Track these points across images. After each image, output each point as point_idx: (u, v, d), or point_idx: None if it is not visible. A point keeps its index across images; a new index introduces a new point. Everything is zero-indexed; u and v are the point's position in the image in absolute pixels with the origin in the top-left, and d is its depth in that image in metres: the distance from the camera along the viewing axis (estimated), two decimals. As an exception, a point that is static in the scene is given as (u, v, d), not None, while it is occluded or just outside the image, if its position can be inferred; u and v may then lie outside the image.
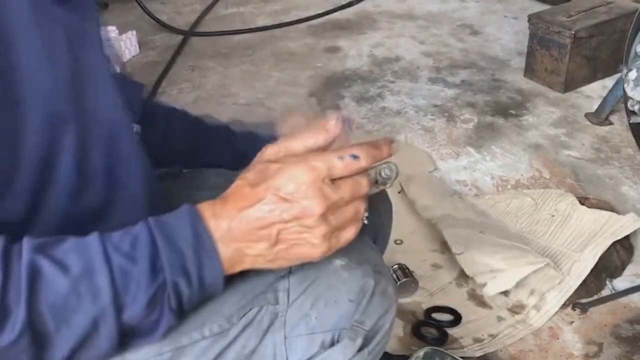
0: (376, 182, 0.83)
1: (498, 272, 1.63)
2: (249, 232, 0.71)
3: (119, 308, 0.68)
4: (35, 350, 0.66)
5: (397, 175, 0.84)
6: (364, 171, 0.76)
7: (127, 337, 0.71)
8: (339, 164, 0.72)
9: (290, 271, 0.85)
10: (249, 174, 0.73)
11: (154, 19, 3.35)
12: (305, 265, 0.85)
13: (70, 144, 0.73)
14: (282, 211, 0.70)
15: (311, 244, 0.73)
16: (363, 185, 0.75)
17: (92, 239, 0.68)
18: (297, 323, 0.83)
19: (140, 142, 0.93)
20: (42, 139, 0.71)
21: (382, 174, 0.83)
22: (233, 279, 0.86)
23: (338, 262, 0.85)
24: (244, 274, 0.85)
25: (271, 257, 0.74)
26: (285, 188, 0.70)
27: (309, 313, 0.83)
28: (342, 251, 0.86)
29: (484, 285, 1.64)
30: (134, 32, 3.10)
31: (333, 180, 0.72)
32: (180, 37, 3.24)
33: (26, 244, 0.66)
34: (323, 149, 0.76)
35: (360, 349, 0.83)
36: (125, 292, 0.68)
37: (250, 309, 0.83)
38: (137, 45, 3.11)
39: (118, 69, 0.95)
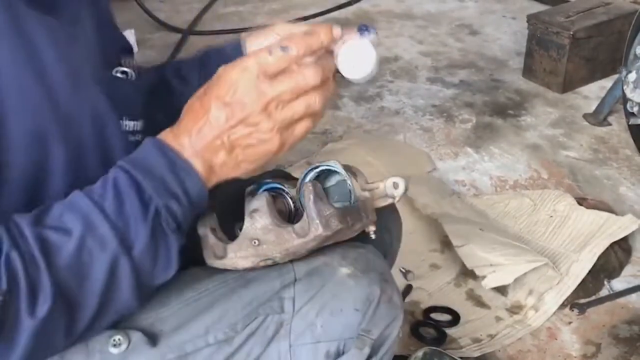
0: (385, 195, 0.83)
1: (498, 266, 1.64)
2: (207, 145, 0.75)
3: (127, 248, 0.71)
4: (68, 314, 0.69)
5: (406, 189, 0.84)
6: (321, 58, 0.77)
7: (148, 278, 0.74)
8: (270, 58, 0.74)
9: (295, 279, 0.85)
10: (199, 91, 0.77)
11: (152, 17, 3.35)
12: (311, 274, 0.85)
13: (59, 161, 0.75)
14: (227, 116, 0.74)
15: (262, 140, 0.76)
16: (307, 76, 0.76)
17: (78, 197, 0.72)
18: (303, 332, 0.83)
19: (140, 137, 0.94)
20: (28, 157, 0.73)
21: (392, 187, 0.84)
22: (237, 286, 0.86)
23: (344, 271, 0.85)
24: (249, 282, 0.85)
25: (233, 163, 0.78)
26: (224, 93, 0.74)
27: (314, 322, 0.83)
28: (349, 259, 0.86)
29: (483, 278, 1.64)
30: (132, 30, 3.09)
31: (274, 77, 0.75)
32: (178, 36, 3.23)
33: (21, 221, 0.69)
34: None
35: (368, 359, 0.83)
36: (128, 231, 0.71)
37: (256, 317, 0.83)
38: (136, 44, 3.10)
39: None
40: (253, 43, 0.96)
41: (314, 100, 0.77)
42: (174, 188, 0.73)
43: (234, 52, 0.97)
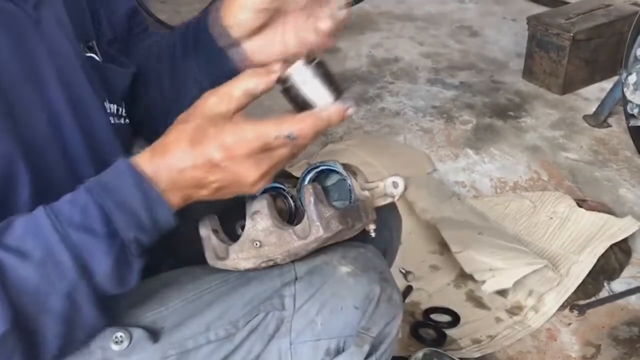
0: (385, 194, 0.83)
1: (497, 270, 1.64)
2: (190, 185, 0.74)
3: (88, 277, 0.70)
4: (26, 340, 0.67)
5: (405, 189, 0.84)
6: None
7: (111, 295, 0.73)
8: (274, 142, 0.72)
9: (296, 277, 0.85)
10: (189, 126, 0.73)
11: (153, 18, 3.35)
12: (312, 272, 0.85)
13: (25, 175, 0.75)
14: (218, 177, 0.73)
15: (248, 189, 0.76)
16: (302, 146, 0.75)
17: (42, 219, 0.69)
18: (303, 329, 0.83)
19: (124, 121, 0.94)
20: None
21: (391, 186, 0.84)
22: (238, 285, 0.86)
23: (344, 269, 0.85)
24: (250, 280, 0.86)
25: (213, 197, 0.77)
26: (219, 157, 0.72)
27: (314, 319, 0.83)
28: (349, 258, 0.86)
29: (483, 282, 1.64)
30: (133, 31, 3.10)
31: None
32: (179, 37, 3.24)
33: None
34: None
35: (367, 356, 0.83)
36: (90, 261, 0.69)
37: (257, 315, 0.83)
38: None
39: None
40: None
41: (300, 149, 0.76)
42: (144, 222, 0.72)
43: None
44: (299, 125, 0.72)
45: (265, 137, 0.72)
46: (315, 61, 0.77)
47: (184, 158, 0.72)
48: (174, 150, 0.73)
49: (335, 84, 0.78)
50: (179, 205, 0.75)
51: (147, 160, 0.73)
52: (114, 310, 0.77)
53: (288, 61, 0.78)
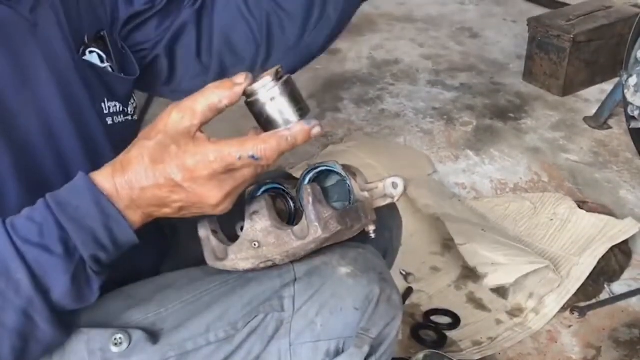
0: (384, 195, 0.83)
1: (499, 265, 1.64)
2: (152, 204, 0.73)
3: (44, 294, 0.69)
4: None
5: (405, 189, 0.84)
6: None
7: (69, 311, 0.73)
8: (237, 162, 0.71)
9: (295, 278, 0.85)
10: (151, 143, 0.72)
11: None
12: (311, 273, 0.85)
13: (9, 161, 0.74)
14: (177, 196, 0.72)
15: (211, 210, 0.75)
16: (266, 166, 0.74)
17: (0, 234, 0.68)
18: (303, 330, 0.83)
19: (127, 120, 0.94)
20: None
21: (391, 187, 0.84)
22: (238, 286, 0.86)
23: (343, 270, 0.85)
24: (249, 281, 0.86)
25: (177, 215, 0.76)
26: (180, 178, 0.71)
27: (314, 320, 0.83)
28: (348, 259, 0.86)
29: (485, 275, 1.64)
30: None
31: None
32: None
33: None
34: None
35: (367, 358, 0.83)
36: (46, 279, 0.69)
37: (256, 316, 0.83)
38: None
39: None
40: None
41: (264, 169, 0.75)
42: (103, 240, 0.71)
43: None
44: (263, 145, 0.71)
45: (228, 159, 0.71)
46: (283, 79, 0.76)
47: (146, 176, 0.71)
48: (136, 167, 0.72)
49: (301, 102, 0.76)
50: (140, 222, 0.75)
51: (107, 176, 0.72)
52: (72, 327, 0.77)
53: (255, 73, 0.76)
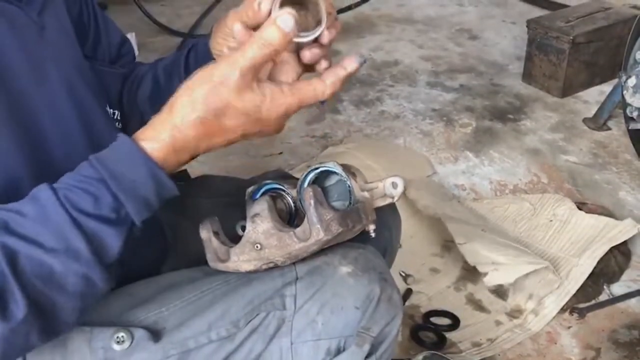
0: (384, 195, 0.84)
1: (499, 265, 1.64)
2: (214, 147, 0.75)
3: (100, 258, 0.71)
4: (43, 319, 0.69)
5: (405, 189, 0.84)
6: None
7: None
8: (259, 54, 0.71)
9: (297, 277, 0.85)
10: (194, 97, 0.72)
11: (153, 21, 3.36)
12: (313, 272, 0.86)
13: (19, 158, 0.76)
14: (245, 130, 0.74)
15: (266, 134, 0.77)
16: (320, 93, 0.76)
17: (53, 206, 0.69)
18: (304, 329, 0.84)
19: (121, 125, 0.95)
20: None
21: (391, 187, 0.84)
22: (239, 285, 0.86)
23: (344, 269, 0.86)
24: (251, 280, 0.86)
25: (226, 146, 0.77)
26: (241, 107, 0.72)
27: (315, 319, 0.83)
28: (349, 259, 0.87)
29: (485, 275, 1.64)
30: (133, 34, 3.10)
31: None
32: (179, 40, 3.24)
33: None
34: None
35: (367, 356, 0.83)
36: (102, 245, 0.71)
37: (258, 314, 0.84)
38: (136, 48, 3.11)
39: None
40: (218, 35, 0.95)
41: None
42: (154, 205, 0.74)
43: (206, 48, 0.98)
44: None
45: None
46: None
47: (207, 129, 0.72)
48: (191, 127, 0.72)
49: None
50: (187, 161, 0.76)
51: (168, 145, 0.73)
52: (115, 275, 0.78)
53: None
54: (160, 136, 0.72)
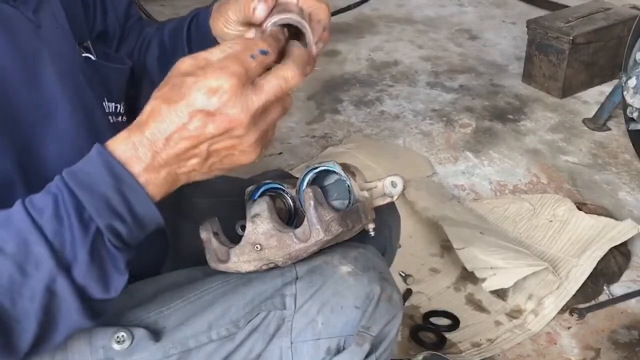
0: (383, 194, 0.84)
1: (498, 269, 1.64)
2: (177, 155, 0.68)
3: (65, 267, 0.66)
4: (1, 335, 0.65)
5: (404, 188, 0.84)
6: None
7: (97, 293, 0.69)
8: (253, 63, 0.68)
9: (297, 277, 0.85)
10: (164, 91, 0.67)
11: (153, 20, 3.36)
12: (313, 272, 0.86)
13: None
14: (209, 127, 0.66)
15: (243, 152, 0.70)
16: (289, 79, 0.69)
17: (16, 210, 0.67)
18: (304, 328, 0.84)
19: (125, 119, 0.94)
20: None
21: (390, 186, 0.84)
22: (239, 284, 0.86)
23: (344, 269, 0.86)
24: (251, 280, 0.86)
25: (205, 170, 0.71)
26: (207, 102, 0.65)
27: (315, 319, 0.83)
28: (349, 258, 0.87)
29: (484, 280, 1.64)
30: (133, 34, 3.10)
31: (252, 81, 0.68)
32: (179, 40, 3.25)
33: None
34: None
35: (367, 356, 0.83)
36: (65, 251, 0.66)
37: (258, 314, 0.84)
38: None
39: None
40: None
41: (289, 101, 0.72)
42: (117, 208, 0.67)
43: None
44: (262, 41, 0.71)
45: (244, 61, 0.67)
46: None
47: (168, 122, 0.66)
48: (155, 118, 0.67)
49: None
50: (164, 188, 0.69)
51: (123, 139, 0.68)
52: (101, 314, 0.72)
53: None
54: (122, 132, 0.69)
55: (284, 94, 0.70)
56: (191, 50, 0.91)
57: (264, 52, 0.69)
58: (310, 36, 0.79)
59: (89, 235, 0.66)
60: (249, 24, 0.84)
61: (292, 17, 0.77)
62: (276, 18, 0.77)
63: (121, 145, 0.68)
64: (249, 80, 0.67)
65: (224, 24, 0.91)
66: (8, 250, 0.65)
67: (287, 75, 0.70)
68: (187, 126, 0.66)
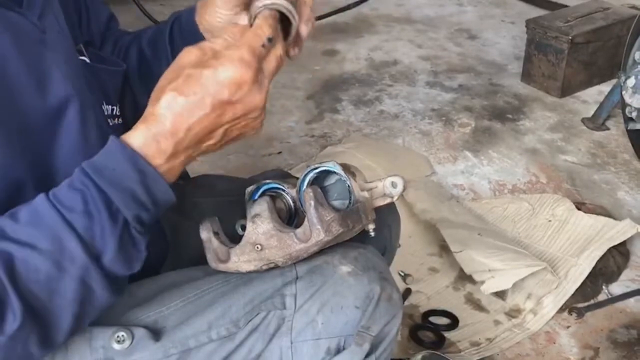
0: (383, 195, 0.84)
1: (496, 271, 1.64)
2: (197, 140, 0.73)
3: (97, 259, 0.70)
4: (40, 327, 0.69)
5: (404, 189, 0.85)
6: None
7: (121, 273, 0.74)
8: (264, 52, 0.73)
9: (297, 277, 0.85)
10: (178, 83, 0.71)
11: (152, 20, 3.35)
12: (313, 272, 0.86)
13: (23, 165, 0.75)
14: (229, 114, 0.72)
15: (254, 127, 0.76)
16: (283, 57, 0.76)
17: (44, 208, 0.70)
18: (304, 328, 0.84)
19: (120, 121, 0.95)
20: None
21: (390, 186, 0.84)
22: (240, 284, 0.86)
23: (344, 269, 0.86)
24: (251, 279, 0.86)
25: (218, 147, 0.77)
26: (230, 94, 0.71)
27: (315, 319, 0.84)
28: (349, 258, 0.87)
29: (482, 283, 1.64)
30: (132, 33, 3.10)
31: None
32: (178, 39, 3.24)
33: None
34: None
35: (367, 355, 0.84)
36: (96, 244, 0.70)
37: (258, 314, 0.84)
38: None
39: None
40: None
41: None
42: (143, 199, 0.72)
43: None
44: (267, 28, 0.75)
45: (256, 50, 0.72)
46: None
47: (189, 114, 0.70)
48: (172, 110, 0.70)
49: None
50: (179, 168, 0.75)
51: (142, 132, 0.72)
52: (123, 289, 0.78)
53: None
54: (138, 125, 0.72)
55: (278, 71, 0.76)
56: (174, 53, 0.93)
57: (270, 40, 0.74)
58: (295, 24, 0.81)
59: (117, 227, 0.71)
60: (243, 3, 0.86)
61: (280, 3, 0.78)
62: (267, 1, 0.78)
63: (141, 139, 0.72)
64: (261, 68, 0.73)
65: (211, 14, 0.92)
66: (43, 248, 0.68)
67: (280, 54, 0.76)
68: (209, 116, 0.71)
